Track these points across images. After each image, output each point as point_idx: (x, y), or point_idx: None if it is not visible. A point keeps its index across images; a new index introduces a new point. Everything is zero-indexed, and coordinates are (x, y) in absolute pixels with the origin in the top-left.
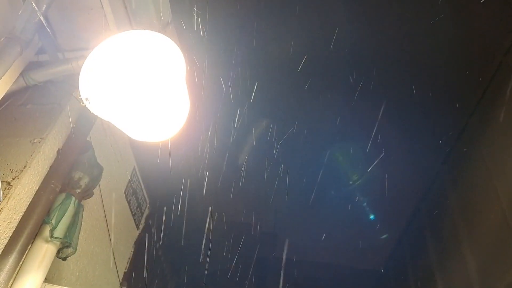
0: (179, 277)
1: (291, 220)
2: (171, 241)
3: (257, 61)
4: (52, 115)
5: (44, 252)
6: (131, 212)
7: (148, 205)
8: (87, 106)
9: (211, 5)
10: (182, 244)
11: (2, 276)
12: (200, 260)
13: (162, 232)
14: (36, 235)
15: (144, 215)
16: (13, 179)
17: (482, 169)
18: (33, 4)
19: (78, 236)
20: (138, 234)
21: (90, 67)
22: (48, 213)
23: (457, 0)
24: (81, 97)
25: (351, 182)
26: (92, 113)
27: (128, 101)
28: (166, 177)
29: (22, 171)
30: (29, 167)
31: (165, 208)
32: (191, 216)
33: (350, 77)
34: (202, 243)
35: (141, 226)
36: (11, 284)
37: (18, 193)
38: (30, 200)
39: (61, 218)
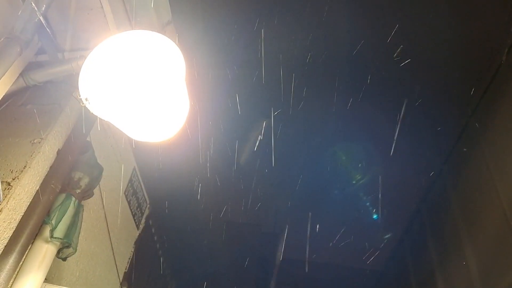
0: (179, 277)
1: (292, 220)
2: (171, 241)
3: (257, 60)
4: (52, 115)
5: (44, 252)
6: (131, 212)
7: (148, 205)
8: (87, 106)
9: (211, 5)
10: (182, 244)
11: (2, 276)
12: (200, 260)
13: (162, 232)
14: (36, 235)
15: (144, 215)
16: (13, 179)
17: (483, 169)
18: (33, 4)
19: (78, 236)
20: (138, 234)
21: (90, 67)
22: (48, 213)
23: (457, 0)
24: (81, 97)
25: (352, 182)
26: (92, 113)
27: (128, 102)
28: (166, 177)
29: (22, 171)
30: (29, 167)
31: (165, 208)
32: (191, 216)
33: (351, 78)
34: (202, 243)
35: (141, 226)
36: (11, 284)
37: (18, 193)
38: (30, 200)
39: (61, 218)
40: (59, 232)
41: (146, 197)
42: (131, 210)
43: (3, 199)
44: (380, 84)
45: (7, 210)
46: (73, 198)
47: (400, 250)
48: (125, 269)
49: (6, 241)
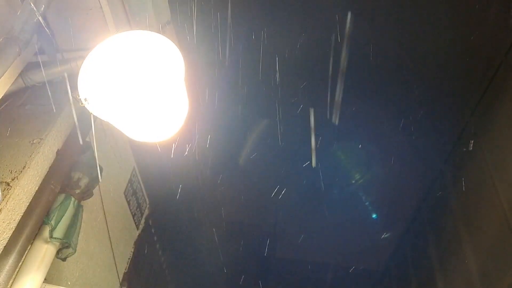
0: (179, 277)
1: (292, 220)
2: (171, 241)
3: (256, 60)
4: (51, 115)
5: (43, 253)
6: (131, 212)
7: (147, 205)
8: (86, 106)
9: (210, 5)
10: (182, 244)
11: (1, 276)
12: (200, 259)
13: (162, 232)
14: (35, 235)
15: (144, 215)
16: (13, 179)
17: (483, 169)
18: (32, 4)
19: (78, 236)
20: (138, 234)
21: (89, 68)
22: (47, 213)
23: (457, 0)
24: (80, 97)
25: (352, 182)
26: (91, 113)
27: (127, 102)
28: (165, 177)
29: (21, 171)
30: (29, 167)
31: (165, 208)
32: (191, 216)
33: (351, 77)
34: (202, 243)
35: (141, 226)
36: (11, 285)
37: (17, 193)
38: (30, 200)
39: (61, 219)
40: (59, 232)
41: (146, 197)
42: (130, 210)
43: (3, 200)
44: (380, 84)
45: (6, 210)
46: (73, 199)
47: (400, 249)
48: (125, 269)
49: (5, 242)
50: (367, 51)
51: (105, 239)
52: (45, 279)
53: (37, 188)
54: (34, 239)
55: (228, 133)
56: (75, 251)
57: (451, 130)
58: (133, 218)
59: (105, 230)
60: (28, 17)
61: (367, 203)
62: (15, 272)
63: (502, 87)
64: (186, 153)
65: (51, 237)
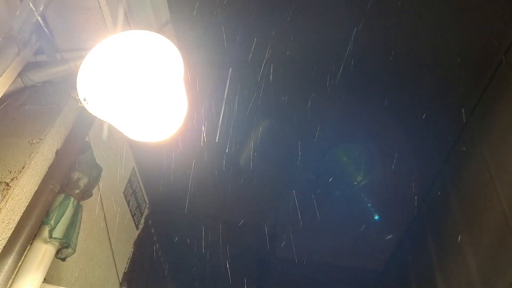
0: (179, 277)
1: (292, 221)
2: (170, 241)
3: (256, 60)
4: (51, 115)
5: (43, 253)
6: (131, 212)
7: (147, 205)
8: (85, 106)
9: (209, 5)
10: (182, 244)
11: (1, 276)
12: (200, 260)
13: (161, 232)
14: (35, 235)
15: (144, 215)
16: (12, 180)
17: (483, 169)
18: (31, 4)
19: (77, 236)
20: (137, 234)
21: (88, 68)
22: (47, 213)
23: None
24: (79, 97)
25: (353, 183)
26: (90, 113)
27: (126, 102)
28: (165, 177)
29: (20, 172)
30: (28, 167)
31: (164, 208)
32: (191, 216)
33: (350, 78)
34: (202, 243)
35: (140, 226)
36: (10, 285)
37: (16, 194)
38: (29, 201)
39: (60, 219)
40: (58, 232)
41: (145, 197)
42: (130, 210)
43: (2, 200)
44: (379, 84)
45: (5, 210)
46: (72, 199)
47: (400, 250)
48: (125, 269)
49: (4, 242)
50: (366, 51)
51: (105, 239)
52: (44, 279)
53: (36, 188)
54: (33, 239)
55: (228, 132)
56: (74, 251)
57: (450, 130)
58: (133, 218)
59: (104, 230)
60: (27, 17)
61: (367, 203)
62: (15, 272)
63: (501, 86)
64: (186, 153)
65: (50, 237)
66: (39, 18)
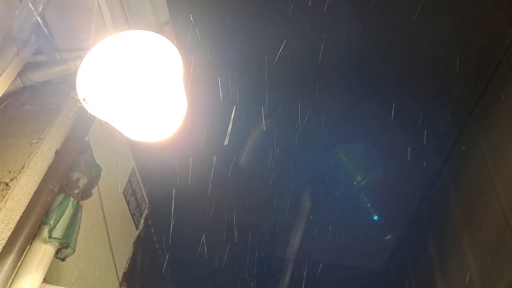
0: (179, 277)
1: (292, 221)
2: (170, 241)
3: (256, 60)
4: (50, 115)
5: (42, 253)
6: (130, 212)
7: (147, 205)
8: (84, 106)
9: (209, 5)
10: (182, 244)
11: (0, 276)
12: (200, 260)
13: (161, 232)
14: (34, 235)
15: (143, 215)
16: (11, 180)
17: (483, 169)
18: (30, 4)
19: (77, 236)
20: (137, 234)
21: (88, 68)
22: (46, 213)
23: (456, 0)
24: (78, 97)
25: (352, 183)
26: (90, 113)
27: (126, 102)
28: (165, 177)
29: (20, 172)
30: (27, 168)
31: (164, 208)
32: (191, 216)
33: (350, 78)
34: (202, 243)
35: (140, 226)
36: (10, 285)
37: (16, 194)
38: (28, 201)
39: (60, 219)
40: (58, 232)
41: (145, 197)
42: (130, 210)
43: (1, 200)
44: (379, 84)
45: (5, 210)
46: (72, 199)
47: (400, 250)
48: (124, 269)
49: (4, 242)
50: (366, 52)
51: (105, 239)
52: (44, 279)
53: (36, 188)
54: (33, 239)
55: (228, 133)
56: (74, 251)
57: (450, 130)
58: (133, 218)
59: (104, 230)
60: (27, 17)
61: (367, 203)
62: (14, 272)
63: (501, 85)
64: (186, 153)
65: (50, 237)
66: (38, 18)
